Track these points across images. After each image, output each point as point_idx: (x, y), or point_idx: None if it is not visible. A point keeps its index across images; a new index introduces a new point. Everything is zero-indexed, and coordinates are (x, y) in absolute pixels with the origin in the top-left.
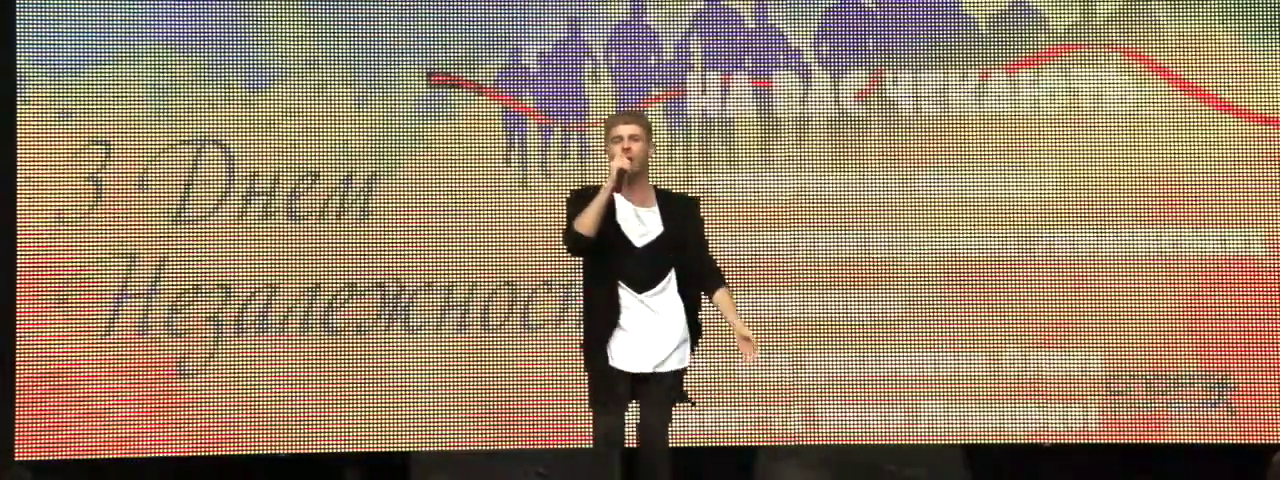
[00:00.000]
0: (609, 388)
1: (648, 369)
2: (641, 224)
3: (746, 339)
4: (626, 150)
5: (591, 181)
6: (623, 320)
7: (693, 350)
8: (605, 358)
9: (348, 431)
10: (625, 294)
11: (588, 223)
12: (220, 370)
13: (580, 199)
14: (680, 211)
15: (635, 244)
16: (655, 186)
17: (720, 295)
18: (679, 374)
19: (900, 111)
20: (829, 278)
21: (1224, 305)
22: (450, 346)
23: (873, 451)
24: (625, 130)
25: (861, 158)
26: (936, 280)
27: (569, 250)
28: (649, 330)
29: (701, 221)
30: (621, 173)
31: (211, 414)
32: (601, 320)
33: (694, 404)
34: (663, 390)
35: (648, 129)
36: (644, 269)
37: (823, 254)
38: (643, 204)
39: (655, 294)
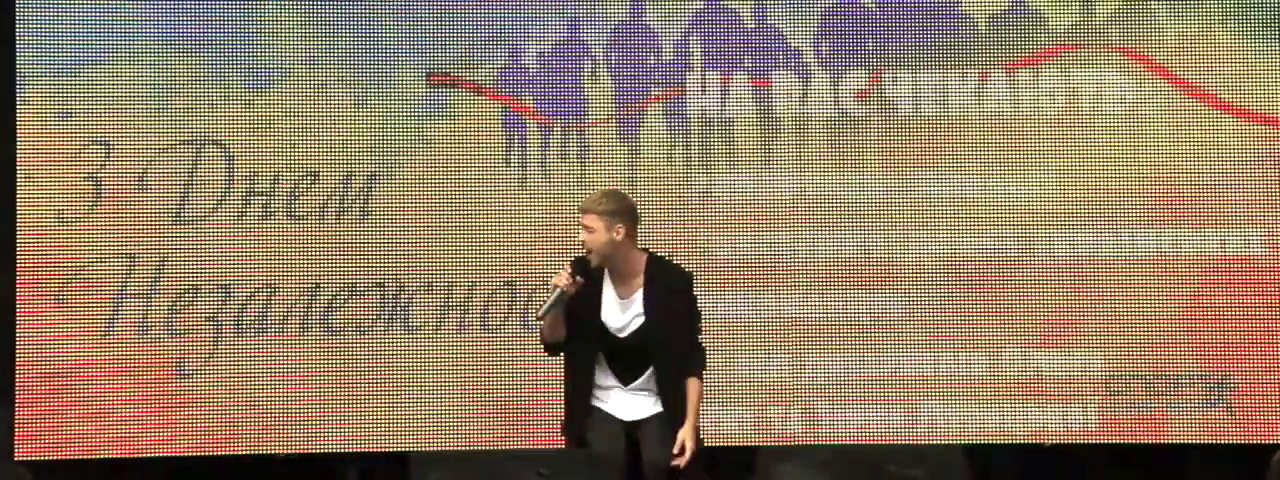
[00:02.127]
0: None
1: (637, 417)
2: (624, 315)
3: (684, 442)
4: (581, 242)
5: (590, 183)
6: (602, 405)
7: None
8: (585, 433)
9: (347, 432)
10: (609, 382)
11: (545, 333)
12: (220, 370)
13: (577, 267)
14: (666, 293)
15: (619, 337)
16: (651, 255)
17: (691, 383)
18: (669, 420)
19: (900, 111)
20: (829, 278)
21: (1224, 305)
22: (450, 347)
23: (873, 452)
24: (581, 220)
25: (861, 158)
26: (936, 280)
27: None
28: (634, 400)
29: (692, 300)
30: (562, 293)
31: (211, 414)
32: (580, 405)
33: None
34: (659, 432)
35: (610, 212)
36: (625, 361)
37: (822, 254)
38: (628, 292)
39: (637, 384)
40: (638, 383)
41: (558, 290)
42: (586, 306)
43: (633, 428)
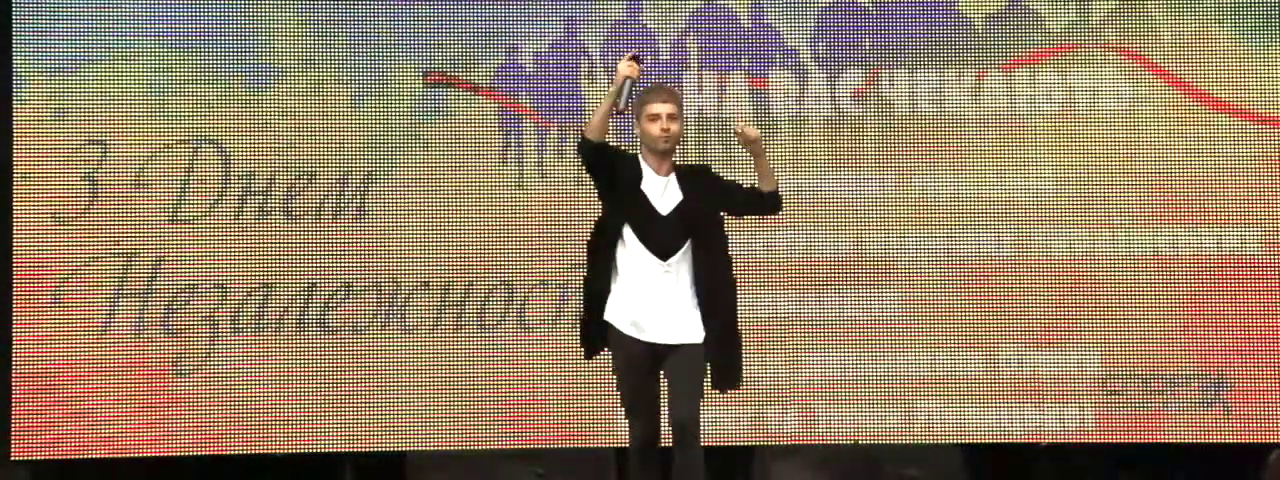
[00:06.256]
0: (604, 343)
1: (673, 341)
2: (665, 193)
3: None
4: (666, 130)
5: (586, 182)
6: (642, 283)
7: (729, 345)
8: (602, 312)
9: (345, 430)
10: (649, 259)
11: (593, 126)
12: (216, 369)
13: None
14: (695, 178)
15: (660, 212)
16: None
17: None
18: (698, 347)
19: (897, 110)
20: (827, 277)
21: (1221, 304)
22: (447, 345)
23: (872, 451)
24: (663, 110)
25: (858, 157)
26: (934, 279)
27: (583, 159)
28: (668, 298)
29: (718, 175)
30: (629, 82)
31: (208, 413)
32: (612, 278)
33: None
34: (686, 364)
35: (681, 106)
36: (667, 235)
37: (820, 253)
38: (666, 175)
39: (676, 261)
40: (673, 259)
41: (627, 80)
42: (629, 176)
43: (661, 355)
